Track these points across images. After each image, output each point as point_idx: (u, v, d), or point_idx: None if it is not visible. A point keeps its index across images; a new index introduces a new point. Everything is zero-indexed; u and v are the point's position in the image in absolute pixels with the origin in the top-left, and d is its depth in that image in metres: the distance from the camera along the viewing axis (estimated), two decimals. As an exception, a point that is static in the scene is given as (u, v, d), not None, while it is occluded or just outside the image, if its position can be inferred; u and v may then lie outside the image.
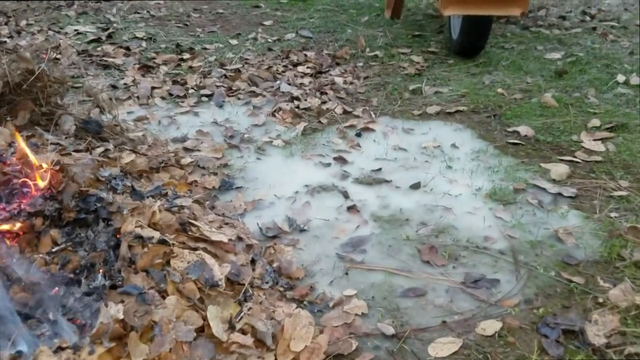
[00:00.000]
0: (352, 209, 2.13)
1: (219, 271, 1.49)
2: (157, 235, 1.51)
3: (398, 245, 1.92)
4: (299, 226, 2.00)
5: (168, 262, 1.45)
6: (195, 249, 1.53)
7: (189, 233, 1.58)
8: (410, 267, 1.80)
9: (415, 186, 2.28)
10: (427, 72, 3.52)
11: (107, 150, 2.02)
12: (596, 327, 1.49)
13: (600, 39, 4.12)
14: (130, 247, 1.50)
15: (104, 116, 2.40)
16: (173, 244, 1.50)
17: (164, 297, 1.36)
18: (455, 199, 2.19)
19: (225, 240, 1.61)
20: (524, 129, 2.72)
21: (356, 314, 1.59)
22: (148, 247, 1.47)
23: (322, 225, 2.03)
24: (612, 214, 2.03)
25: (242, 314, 1.44)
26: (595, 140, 2.62)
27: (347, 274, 1.78)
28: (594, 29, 4.38)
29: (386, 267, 1.80)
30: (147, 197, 1.73)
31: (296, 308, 1.59)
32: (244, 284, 1.57)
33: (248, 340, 1.36)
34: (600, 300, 1.61)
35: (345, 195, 2.22)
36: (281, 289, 1.69)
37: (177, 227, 1.58)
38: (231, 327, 1.39)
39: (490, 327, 1.52)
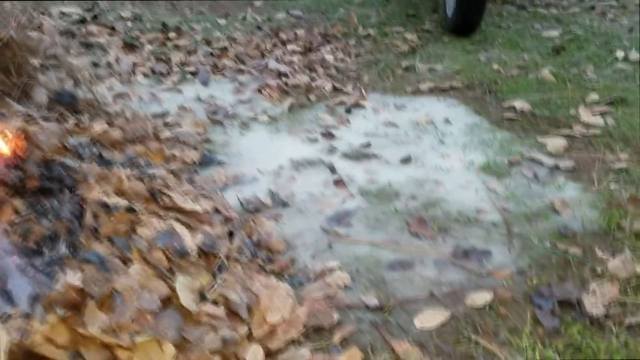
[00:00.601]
0: (338, 183, 2.04)
1: (191, 241, 1.39)
2: (124, 203, 1.42)
3: (386, 218, 1.82)
4: (282, 200, 1.91)
5: (135, 231, 1.36)
6: (165, 218, 1.43)
7: (160, 202, 1.48)
8: (397, 239, 1.71)
9: (406, 160, 2.18)
10: (420, 50, 3.41)
11: (79, 121, 1.92)
12: (594, 298, 1.40)
13: (599, 17, 4.02)
14: (95, 216, 1.40)
15: (80, 90, 2.30)
16: (142, 213, 1.41)
17: (128, 266, 1.26)
18: (447, 173, 2.09)
19: (199, 210, 1.51)
20: (520, 104, 2.62)
21: (339, 286, 1.49)
22: (114, 215, 1.37)
23: (307, 200, 1.94)
24: (612, 186, 1.94)
25: (215, 285, 1.34)
26: (593, 114, 2.52)
27: (330, 247, 1.68)
28: (593, 8, 4.27)
29: (372, 240, 1.70)
30: (118, 166, 1.63)
31: (276, 280, 1.49)
32: (219, 256, 1.47)
33: (219, 311, 1.27)
34: (599, 271, 1.51)
35: (332, 170, 2.13)
36: (260, 262, 1.59)
37: (147, 196, 1.49)
38: (202, 298, 1.30)
39: (481, 298, 1.43)
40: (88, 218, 1.39)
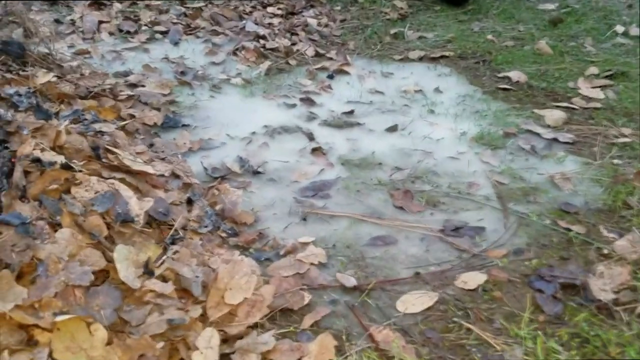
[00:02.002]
0: (316, 151, 1.83)
1: (137, 206, 1.18)
2: (60, 159, 1.20)
3: (367, 190, 1.63)
4: (253, 168, 1.70)
5: (69, 191, 1.14)
6: (108, 179, 1.21)
7: (104, 161, 1.27)
8: (380, 213, 1.52)
9: (392, 129, 1.99)
10: (410, 18, 3.20)
11: (23, 71, 1.68)
12: (602, 281, 1.22)
13: (597, -8, 3.83)
14: (27, 173, 1.18)
15: (32, 43, 2.05)
16: (80, 171, 1.19)
17: (57, 231, 1.05)
18: (437, 143, 1.90)
19: (150, 171, 1.30)
20: (515, 75, 2.43)
21: (312, 263, 1.30)
22: (46, 172, 1.15)
23: (281, 168, 1.74)
24: (615, 161, 1.77)
25: (164, 258, 1.14)
26: (593, 87, 2.34)
27: (304, 219, 1.49)
28: (590, -17, 4.08)
29: (352, 214, 1.51)
30: (61, 119, 1.40)
31: (239, 255, 1.30)
32: (173, 226, 1.27)
33: (168, 288, 1.07)
34: (605, 251, 1.34)
35: (310, 137, 1.92)
36: (223, 234, 1.39)
37: (89, 153, 1.27)
38: (148, 273, 1.09)
39: (473, 279, 1.25)
40: (17, 176, 1.17)
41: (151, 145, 1.70)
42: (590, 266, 1.28)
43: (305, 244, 1.38)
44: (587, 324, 1.12)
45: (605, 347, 1.07)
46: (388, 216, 1.50)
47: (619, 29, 3.04)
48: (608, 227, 1.43)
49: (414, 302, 1.19)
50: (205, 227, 1.37)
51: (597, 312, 1.16)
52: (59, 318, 0.89)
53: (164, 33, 2.70)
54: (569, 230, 1.42)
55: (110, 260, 1.07)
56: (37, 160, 1.19)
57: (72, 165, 1.19)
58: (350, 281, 1.24)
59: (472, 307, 1.17)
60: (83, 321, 0.92)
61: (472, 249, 1.36)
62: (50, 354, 0.88)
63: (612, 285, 1.21)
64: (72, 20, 2.87)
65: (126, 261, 1.07)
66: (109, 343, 0.93)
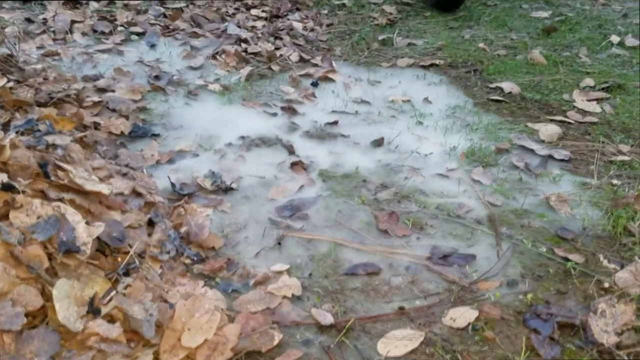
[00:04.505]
0: (296, 165, 1.71)
1: (85, 232, 1.04)
2: (2, 178, 1.06)
3: (350, 210, 1.50)
4: (225, 183, 1.57)
5: (7, 216, 1.00)
6: (54, 201, 1.08)
7: (53, 179, 1.13)
8: (362, 237, 1.39)
9: (378, 143, 1.87)
10: (400, 24, 3.09)
11: (-26, 75, 1.54)
12: (603, 321, 1.11)
13: (590, 1, 3.75)
14: (-39, 194, 1.04)
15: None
16: (23, 191, 1.05)
17: (-14, 266, 0.91)
18: (425, 159, 1.78)
19: (105, 191, 1.16)
20: (508, 85, 2.33)
21: (284, 296, 1.17)
22: (-18, 194, 1.01)
23: (256, 184, 1.61)
24: (614, 181, 1.66)
25: (112, 294, 1.00)
26: (589, 100, 2.24)
27: (279, 244, 1.36)
28: (584, -9, 4.00)
29: (332, 237, 1.38)
30: (11, 130, 1.26)
31: (203, 286, 1.17)
32: (129, 252, 1.13)
33: (114, 331, 0.93)
34: (606, 285, 1.23)
35: (290, 150, 1.80)
36: (187, 261, 1.26)
37: (37, 170, 1.13)
38: (93, 312, 0.96)
39: (462, 316, 1.12)
40: (-52, 198, 1.03)
41: (116, 156, 1.57)
42: (590, 302, 1.16)
43: (279, 272, 1.25)
44: (588, 371, 1.01)
45: (609, 399, 0.95)
46: (371, 241, 1.38)
47: (615, 39, 2.95)
48: (608, 257, 1.32)
49: (397, 343, 1.06)
50: (167, 253, 1.23)
51: (598, 357, 1.04)
52: (-24, 375, 0.76)
53: (141, 34, 2.57)
54: (567, 260, 1.30)
55: (50, 298, 0.93)
56: (-26, 180, 1.05)
57: (14, 184, 1.05)
58: (327, 318, 1.11)
59: (461, 350, 1.05)
60: (7, 376, 0.79)
61: (461, 280, 1.24)
62: (-36, 418, 0.75)
63: (615, 325, 1.10)
64: (44, 19, 2.72)
65: (67, 299, 0.93)
66: (38, 400, 0.80)
